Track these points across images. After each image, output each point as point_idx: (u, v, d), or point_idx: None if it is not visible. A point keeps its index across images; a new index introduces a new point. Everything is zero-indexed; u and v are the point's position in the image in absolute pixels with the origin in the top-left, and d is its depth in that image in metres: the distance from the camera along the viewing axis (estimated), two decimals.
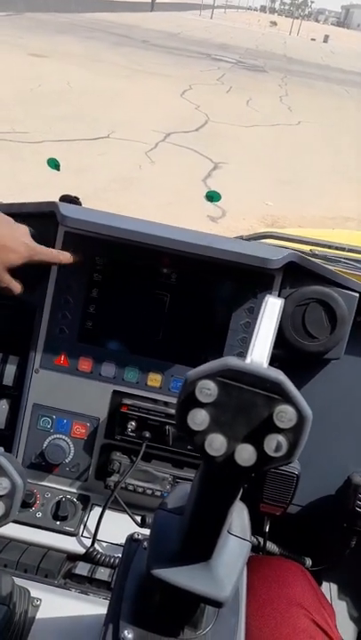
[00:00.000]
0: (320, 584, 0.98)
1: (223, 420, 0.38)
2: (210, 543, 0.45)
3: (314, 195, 5.63)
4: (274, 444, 0.37)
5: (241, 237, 1.54)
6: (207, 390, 0.38)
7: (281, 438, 0.37)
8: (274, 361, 0.92)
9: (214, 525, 0.44)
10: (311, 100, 10.93)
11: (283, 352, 0.89)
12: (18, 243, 0.77)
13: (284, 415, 0.37)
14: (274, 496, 0.87)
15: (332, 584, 1.05)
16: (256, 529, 0.90)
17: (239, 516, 0.50)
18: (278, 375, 0.38)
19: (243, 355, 0.93)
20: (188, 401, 0.38)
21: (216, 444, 0.38)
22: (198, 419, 0.38)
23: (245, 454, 0.38)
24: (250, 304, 0.88)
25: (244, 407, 0.38)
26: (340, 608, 1.03)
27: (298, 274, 0.87)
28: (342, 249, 1.43)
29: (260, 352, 0.41)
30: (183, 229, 0.86)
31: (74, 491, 0.93)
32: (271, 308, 0.44)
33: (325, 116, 9.56)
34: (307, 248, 1.44)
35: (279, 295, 0.88)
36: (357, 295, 0.87)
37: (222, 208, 4.92)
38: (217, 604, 0.46)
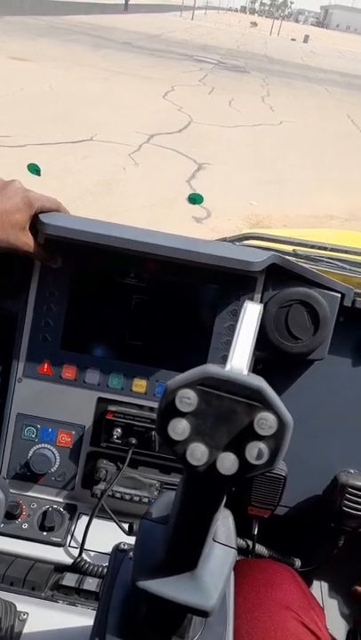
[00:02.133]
0: (310, 585, 0.99)
1: (204, 429, 0.38)
2: (195, 552, 0.45)
3: (297, 194, 5.66)
4: (255, 451, 0.37)
5: (224, 239, 1.54)
6: (187, 400, 0.38)
7: (262, 446, 0.37)
8: (258, 363, 0.93)
9: (199, 534, 0.44)
10: (293, 99, 11.00)
11: (266, 354, 0.89)
12: (15, 202, 0.75)
13: (265, 422, 0.37)
14: (262, 498, 0.86)
15: (322, 583, 1.05)
16: (244, 532, 0.90)
17: (224, 524, 0.50)
18: (258, 382, 0.38)
19: (227, 358, 0.93)
20: (168, 410, 0.38)
21: (197, 454, 0.38)
22: (179, 428, 0.38)
23: (227, 463, 0.37)
24: (233, 307, 0.88)
25: (225, 415, 0.38)
26: (331, 607, 1.03)
27: (280, 275, 0.87)
28: (325, 248, 1.43)
29: (239, 359, 0.40)
30: (165, 234, 0.86)
31: (60, 500, 0.92)
32: (250, 314, 0.43)
33: (307, 115, 9.63)
34: (290, 248, 1.44)
35: (262, 297, 0.88)
36: (339, 296, 0.87)
37: (207, 209, 4.92)
38: (203, 614, 0.45)
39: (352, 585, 1.00)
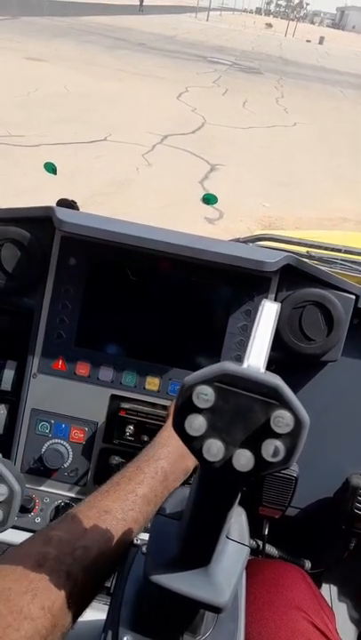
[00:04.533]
0: (320, 586, 0.98)
1: (221, 426, 0.38)
2: (208, 549, 0.45)
3: (310, 196, 5.64)
4: (271, 449, 0.37)
5: (237, 240, 1.54)
6: (204, 396, 0.38)
7: (278, 443, 0.37)
8: (271, 364, 0.92)
9: (213, 531, 0.44)
10: (307, 101, 10.96)
11: (280, 355, 0.89)
12: None
13: (282, 420, 0.37)
14: (273, 499, 0.87)
15: (332, 586, 1.05)
16: (255, 532, 0.90)
17: (238, 521, 0.50)
18: (275, 380, 0.38)
19: (240, 358, 0.93)
20: (186, 407, 0.38)
21: (214, 450, 0.38)
22: (196, 424, 0.38)
23: (243, 460, 0.38)
24: (247, 307, 0.88)
25: (242, 412, 0.38)
26: (341, 610, 1.03)
27: (294, 276, 0.88)
28: (338, 250, 1.43)
29: (256, 356, 0.41)
30: (180, 233, 0.86)
31: (73, 495, 0.93)
32: (268, 312, 0.44)
33: (321, 117, 9.59)
34: (303, 250, 1.44)
35: (276, 298, 0.88)
36: (354, 297, 0.87)
37: (220, 210, 4.92)
38: (216, 610, 0.46)
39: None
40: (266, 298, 0.88)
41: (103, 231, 0.82)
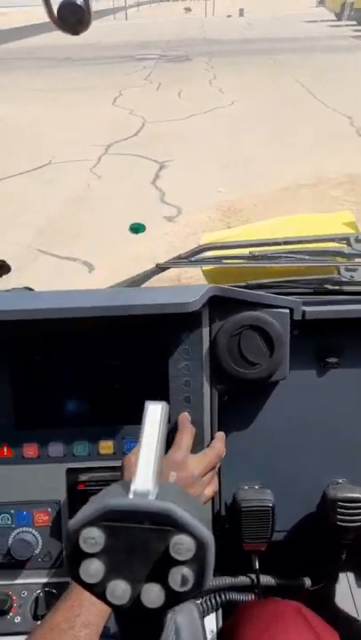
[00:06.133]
0: (323, 603, 0.96)
1: (120, 565, 0.35)
2: None
3: (262, 170, 5.60)
4: (179, 578, 0.34)
5: (179, 256, 1.51)
6: (92, 540, 0.35)
7: (185, 570, 0.34)
8: (222, 395, 0.90)
9: None
10: (239, 76, 10.87)
11: (227, 386, 0.86)
12: None
13: (181, 547, 0.34)
14: (253, 534, 0.84)
15: (335, 599, 1.03)
16: (246, 567, 0.88)
17: (189, 622, 0.47)
18: (165, 505, 0.35)
19: (189, 400, 0.90)
20: (76, 554, 0.35)
21: (118, 592, 0.35)
22: (92, 570, 0.35)
23: (152, 595, 0.35)
24: (184, 346, 0.85)
25: (138, 546, 0.35)
26: (348, 622, 1.01)
27: (224, 304, 0.85)
28: (278, 244, 1.40)
29: (143, 478, 0.37)
30: (96, 291, 0.83)
31: (51, 581, 0.89)
32: (152, 416, 0.40)
33: (256, 89, 9.53)
34: (246, 251, 1.41)
35: (210, 330, 0.85)
36: (288, 311, 0.85)
37: (177, 206, 4.89)
38: None
39: None
40: (200, 334, 0.85)
41: (14, 312, 0.78)
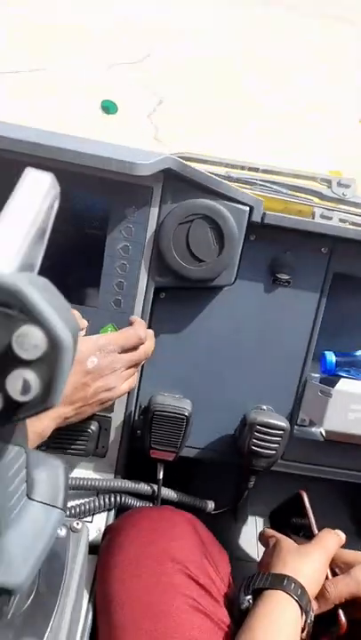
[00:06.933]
0: (221, 527, 0.92)
1: None
2: None
3: None
4: (19, 383, 0.26)
5: None
6: None
7: (30, 374, 0.26)
8: (160, 291, 0.81)
9: None
10: None
11: (167, 280, 0.77)
12: None
13: (27, 340, 0.26)
14: (163, 440, 0.77)
15: (235, 525, 1.00)
16: (151, 478, 0.82)
17: (50, 478, 0.40)
18: (16, 280, 0.26)
19: (122, 285, 0.81)
20: None
21: None
22: None
23: None
24: (126, 224, 0.75)
25: None
26: (241, 550, 0.98)
27: (180, 185, 0.74)
28: (256, 169, 1.30)
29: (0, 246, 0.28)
30: (41, 131, 0.71)
31: None
32: (31, 185, 0.30)
33: None
34: (222, 170, 1.31)
35: (159, 211, 0.75)
36: (248, 209, 0.75)
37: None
38: (8, 592, 0.35)
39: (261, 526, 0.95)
40: (147, 212, 0.75)
41: None
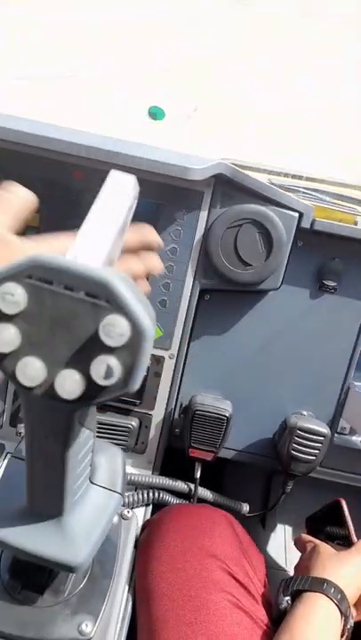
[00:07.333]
0: (256, 531, 0.92)
1: (39, 338, 0.28)
2: (55, 496, 0.36)
3: None
4: (103, 368, 0.28)
5: None
6: (11, 296, 0.28)
7: (113, 360, 0.28)
8: (205, 293, 0.83)
9: (54, 473, 0.35)
10: None
11: (213, 282, 0.79)
12: None
13: (113, 329, 0.27)
14: (202, 440, 0.79)
15: (270, 530, 1.00)
16: (189, 477, 0.83)
17: (110, 464, 0.41)
18: (104, 275, 0.28)
19: (168, 286, 0.83)
20: None
21: (31, 371, 0.28)
22: (6, 336, 0.28)
23: (69, 384, 0.28)
24: (175, 227, 0.77)
25: (64, 319, 0.28)
26: (276, 554, 0.98)
27: (230, 190, 0.76)
28: (300, 177, 1.31)
29: (87, 243, 0.30)
30: (95, 135, 0.73)
31: None
32: (114, 185, 0.32)
33: None
34: (265, 177, 1.32)
35: (208, 216, 0.77)
36: (297, 215, 0.76)
37: None
38: (69, 569, 0.37)
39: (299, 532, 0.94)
40: (196, 216, 0.76)
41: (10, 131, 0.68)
